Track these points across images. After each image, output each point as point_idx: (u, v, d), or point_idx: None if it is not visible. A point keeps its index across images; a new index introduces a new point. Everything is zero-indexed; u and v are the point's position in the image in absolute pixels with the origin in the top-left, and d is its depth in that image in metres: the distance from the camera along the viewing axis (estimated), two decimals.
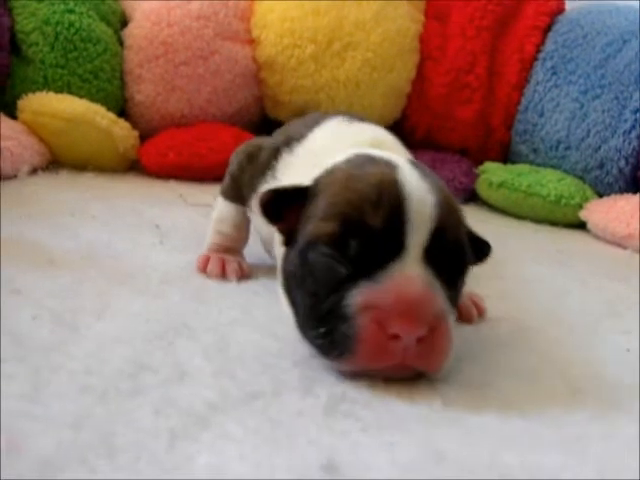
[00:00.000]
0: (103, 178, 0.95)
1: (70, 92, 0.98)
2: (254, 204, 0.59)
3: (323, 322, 0.44)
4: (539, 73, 1.06)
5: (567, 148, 1.03)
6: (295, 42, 1.03)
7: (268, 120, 1.10)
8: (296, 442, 0.39)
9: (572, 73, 1.04)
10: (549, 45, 1.06)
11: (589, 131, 1.01)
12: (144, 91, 1.03)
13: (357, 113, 1.04)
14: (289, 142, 0.59)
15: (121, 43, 1.04)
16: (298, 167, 0.56)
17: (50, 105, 0.95)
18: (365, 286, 0.43)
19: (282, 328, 0.54)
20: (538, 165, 1.05)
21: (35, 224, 0.72)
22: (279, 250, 0.52)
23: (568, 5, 1.14)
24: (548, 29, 1.09)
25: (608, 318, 0.63)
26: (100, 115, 0.96)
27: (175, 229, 0.76)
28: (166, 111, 1.04)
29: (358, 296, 0.43)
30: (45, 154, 0.95)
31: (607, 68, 1.01)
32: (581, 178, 1.02)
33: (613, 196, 0.98)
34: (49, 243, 0.68)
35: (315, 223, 0.46)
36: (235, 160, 0.65)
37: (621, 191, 1.00)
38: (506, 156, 1.10)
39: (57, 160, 0.97)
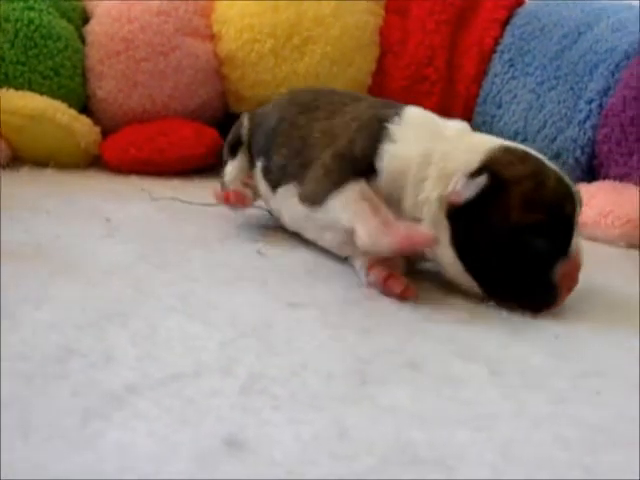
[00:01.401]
0: (64, 174, 0.96)
1: (31, 89, 0.99)
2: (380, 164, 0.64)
3: (531, 286, 0.60)
4: (497, 65, 1.07)
5: (524, 139, 1.04)
6: (255, 37, 1.04)
7: (231, 115, 1.11)
8: (205, 420, 0.41)
9: (529, 65, 1.05)
10: (507, 38, 1.07)
11: (545, 122, 1.02)
12: (106, 87, 1.04)
13: None
14: (388, 117, 0.66)
15: (83, 40, 1.05)
16: (412, 137, 0.64)
17: (11, 102, 0.95)
18: (564, 261, 0.59)
19: (215, 313, 0.56)
20: None
21: None
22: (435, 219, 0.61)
23: None
24: (507, 22, 1.10)
25: None
26: (61, 112, 0.97)
27: (126, 223, 0.76)
28: (128, 107, 1.05)
29: (560, 268, 0.59)
30: (6, 151, 0.95)
31: (562, 59, 1.02)
32: None
33: None
34: None
35: (519, 211, 0.59)
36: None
37: (578, 181, 1.00)
38: None
39: (18, 157, 0.97)
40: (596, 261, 0.80)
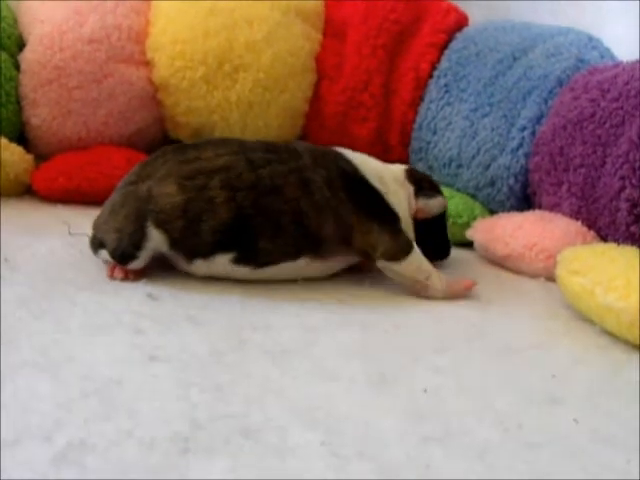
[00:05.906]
0: None
1: None
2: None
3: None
4: (433, 91, 1.05)
5: (459, 166, 1.02)
6: (186, 64, 1.04)
7: (170, 140, 1.11)
8: None
9: (464, 91, 1.03)
10: (444, 63, 1.06)
11: (479, 149, 1.00)
12: (40, 115, 1.04)
13: (253, 133, 1.06)
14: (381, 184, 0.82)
15: (18, 67, 1.05)
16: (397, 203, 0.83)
17: None
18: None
19: (69, 368, 0.55)
20: None
21: None
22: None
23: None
24: (446, 46, 1.08)
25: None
26: None
27: (27, 263, 0.75)
28: (63, 135, 1.05)
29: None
30: None
31: (496, 86, 1.01)
32: (474, 196, 1.02)
33: (498, 215, 0.97)
34: None
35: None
36: None
37: (513, 209, 0.99)
38: None
39: None
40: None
